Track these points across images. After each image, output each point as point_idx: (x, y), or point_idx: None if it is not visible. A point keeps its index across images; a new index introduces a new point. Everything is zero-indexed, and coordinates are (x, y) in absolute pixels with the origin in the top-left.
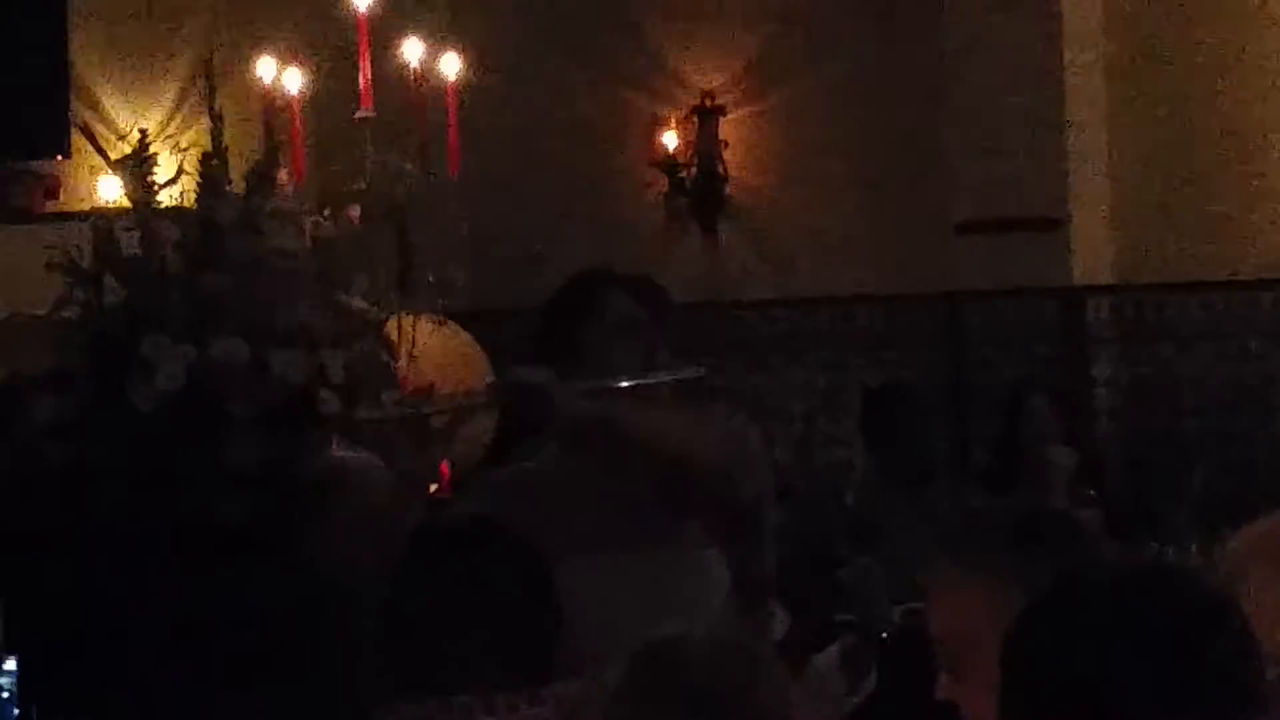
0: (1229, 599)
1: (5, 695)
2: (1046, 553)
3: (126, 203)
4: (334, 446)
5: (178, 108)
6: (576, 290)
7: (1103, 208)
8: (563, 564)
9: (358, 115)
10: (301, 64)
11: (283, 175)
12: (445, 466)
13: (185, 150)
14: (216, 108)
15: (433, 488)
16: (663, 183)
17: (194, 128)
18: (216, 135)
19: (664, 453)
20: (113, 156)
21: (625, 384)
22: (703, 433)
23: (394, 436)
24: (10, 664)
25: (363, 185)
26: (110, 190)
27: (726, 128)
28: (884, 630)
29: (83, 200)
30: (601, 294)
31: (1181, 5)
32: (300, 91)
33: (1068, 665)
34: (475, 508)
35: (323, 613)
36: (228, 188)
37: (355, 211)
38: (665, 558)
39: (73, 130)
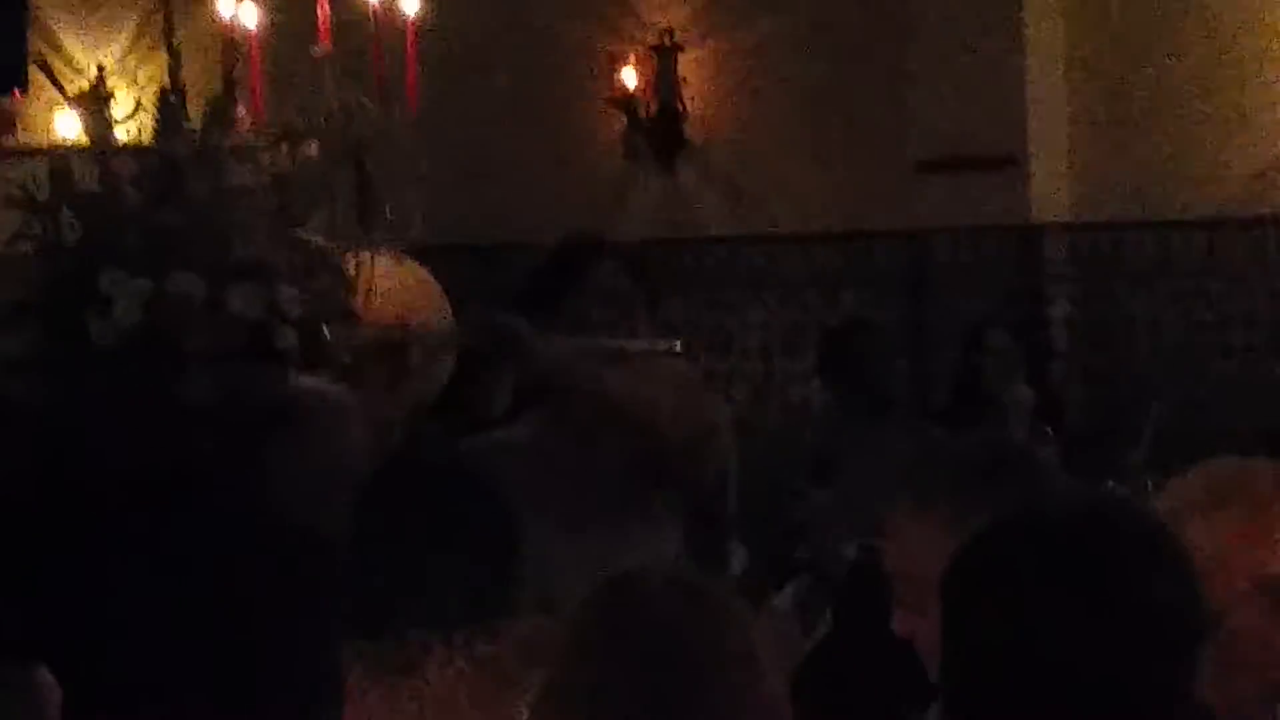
0: (1169, 535)
1: None
2: (1006, 488)
3: (84, 139)
4: (293, 377)
5: (135, 43)
6: (562, 257)
7: (1061, 146)
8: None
9: (316, 51)
10: None
11: (240, 111)
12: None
13: (143, 86)
14: (174, 43)
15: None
16: (621, 120)
17: (152, 63)
18: (174, 71)
19: (634, 416)
20: (70, 92)
21: (602, 348)
22: (674, 400)
23: (367, 372)
24: None
25: (321, 121)
26: (67, 126)
27: (686, 65)
28: (840, 570)
29: (39, 136)
30: (589, 264)
31: None
32: (258, 27)
33: (1001, 601)
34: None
35: (283, 549)
36: (185, 123)
37: (313, 148)
38: (627, 529)
39: (29, 65)
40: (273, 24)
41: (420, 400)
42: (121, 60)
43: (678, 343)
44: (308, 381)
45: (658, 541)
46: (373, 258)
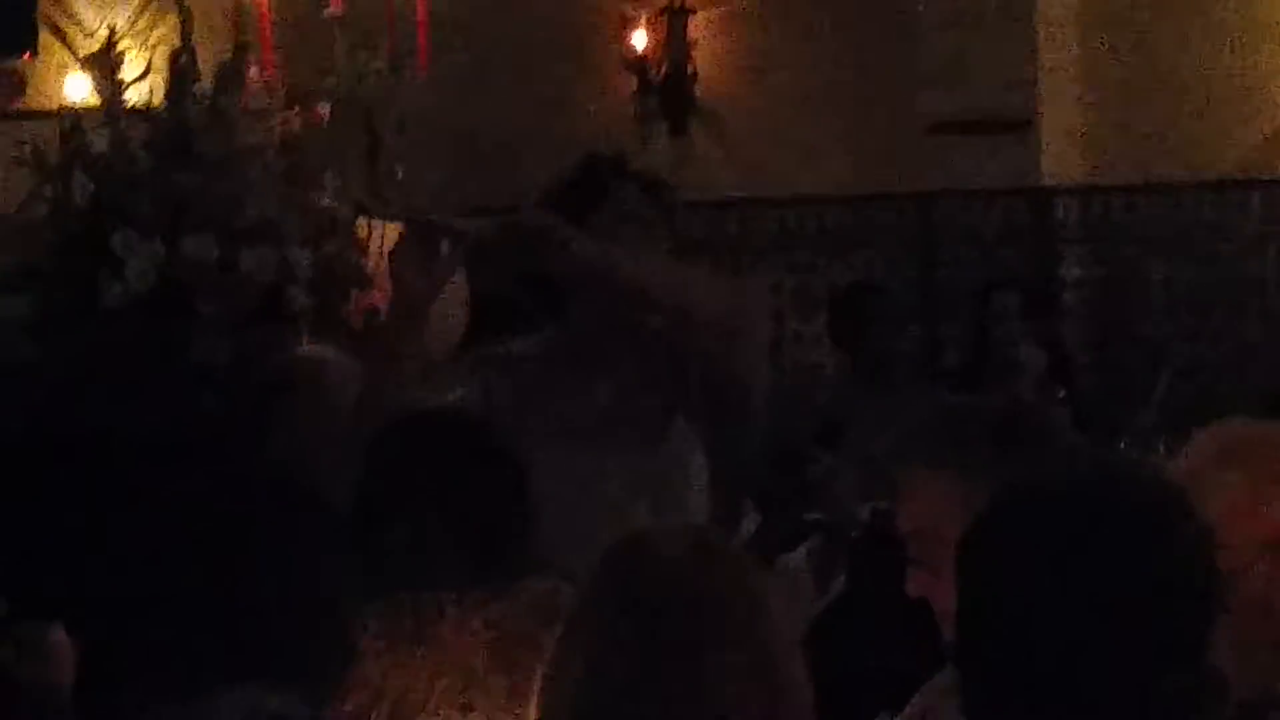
0: (1187, 501)
1: None
2: (1019, 449)
3: (94, 102)
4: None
5: (146, 5)
6: (585, 174)
7: (1073, 108)
8: (541, 452)
9: (327, 13)
10: None
11: (252, 73)
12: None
13: (154, 47)
14: (186, 5)
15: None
16: (632, 83)
17: (163, 25)
18: (185, 32)
19: (667, 299)
20: (81, 54)
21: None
22: (705, 283)
23: (398, 262)
24: None
25: (332, 84)
26: (77, 89)
27: (696, 27)
28: (852, 532)
29: (49, 99)
30: (612, 183)
31: None
32: None
33: (1018, 565)
34: (458, 384)
35: (288, 508)
36: (197, 86)
37: (325, 109)
38: (649, 448)
39: (40, 28)
40: None
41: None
42: (132, 22)
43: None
44: (312, 348)
45: (679, 470)
46: (384, 221)
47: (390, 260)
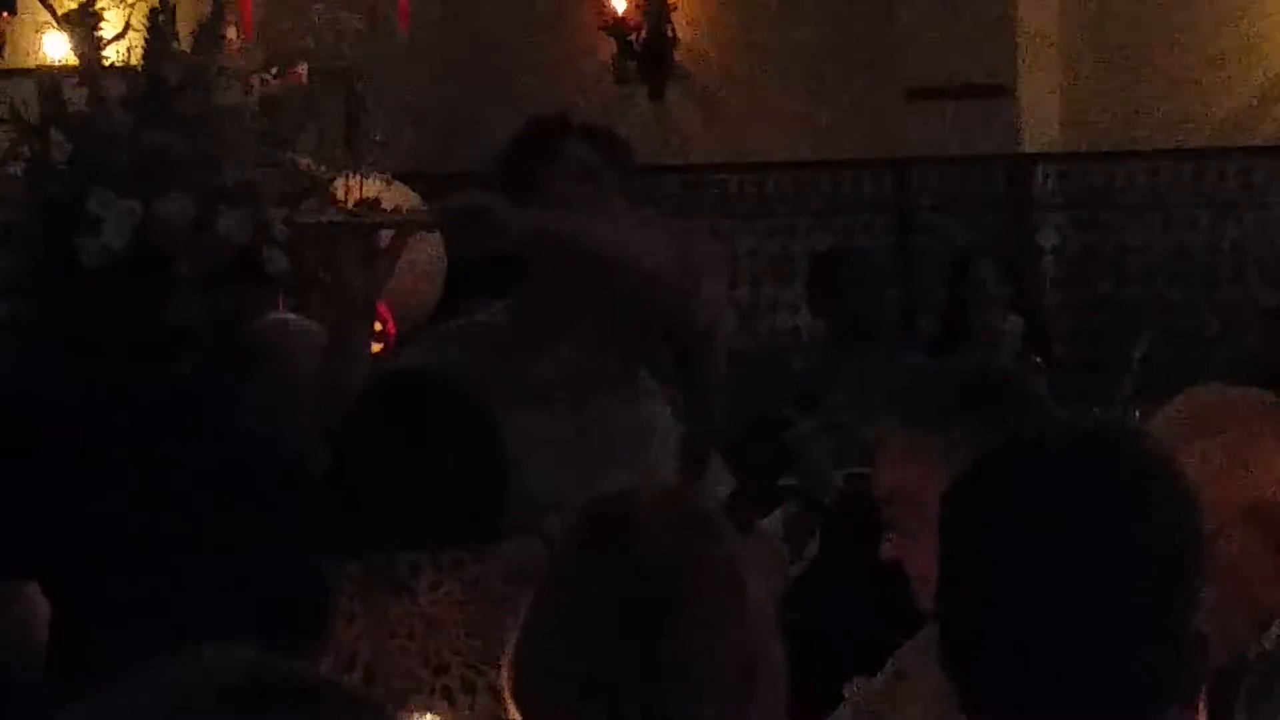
0: (1171, 463)
1: None
2: (996, 413)
3: (73, 61)
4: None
5: None
6: (535, 134)
7: (1052, 75)
8: (512, 416)
9: None
10: None
11: (230, 32)
12: (391, 325)
13: (133, 6)
14: None
15: (377, 347)
16: (611, 46)
17: None
18: None
19: (619, 257)
20: (59, 12)
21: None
22: (656, 236)
23: (338, 249)
24: None
25: (310, 43)
26: (56, 48)
27: None
28: (826, 497)
29: (28, 57)
30: (560, 139)
31: None
32: None
33: (1000, 527)
34: (424, 359)
35: (268, 468)
36: (175, 44)
37: (303, 70)
38: (616, 405)
39: None
40: None
41: (408, 324)
42: None
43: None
44: (281, 315)
45: (648, 429)
46: (361, 181)
47: (330, 259)
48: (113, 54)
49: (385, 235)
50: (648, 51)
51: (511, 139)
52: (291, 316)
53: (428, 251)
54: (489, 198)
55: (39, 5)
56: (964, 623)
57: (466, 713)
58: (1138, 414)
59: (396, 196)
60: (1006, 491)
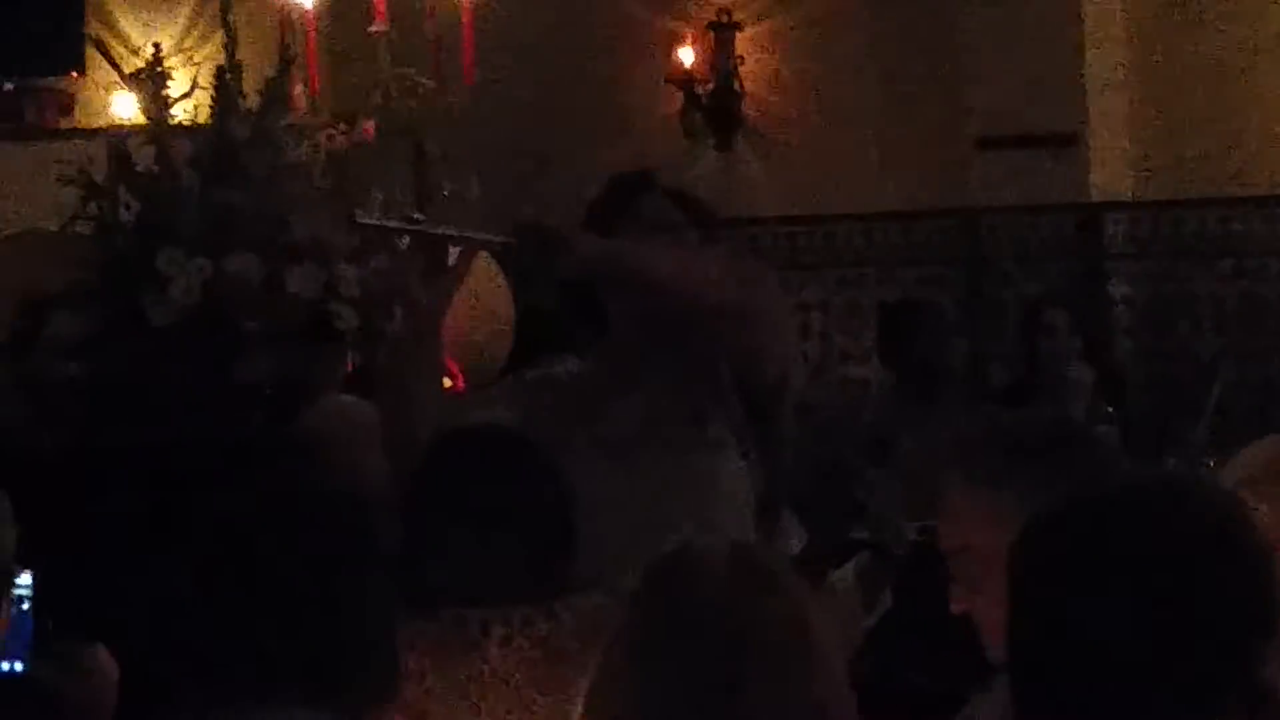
0: (1248, 514)
1: (25, 606)
2: (1064, 466)
3: (141, 120)
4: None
5: (193, 23)
6: (617, 190)
7: (1121, 124)
8: (584, 468)
9: (373, 29)
10: None
11: (298, 89)
12: (460, 381)
13: (200, 65)
14: (232, 22)
15: (446, 383)
16: (679, 99)
17: (209, 42)
18: (231, 49)
19: (687, 286)
20: (127, 72)
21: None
22: (729, 273)
23: (405, 263)
24: (26, 577)
25: (378, 99)
26: (124, 107)
27: (743, 43)
28: (899, 549)
29: (97, 117)
30: (641, 195)
31: None
32: (315, 5)
33: (1071, 585)
34: (496, 410)
35: (336, 528)
36: (242, 102)
37: (370, 125)
38: (690, 457)
39: (87, 47)
40: (329, 2)
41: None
42: (178, 40)
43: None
44: (334, 404)
45: (719, 481)
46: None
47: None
48: (180, 112)
49: (453, 254)
50: (715, 104)
51: (593, 196)
52: (347, 399)
53: (499, 308)
54: (561, 225)
55: (107, 65)
56: (1036, 672)
57: None
58: (1211, 464)
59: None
60: (1081, 542)
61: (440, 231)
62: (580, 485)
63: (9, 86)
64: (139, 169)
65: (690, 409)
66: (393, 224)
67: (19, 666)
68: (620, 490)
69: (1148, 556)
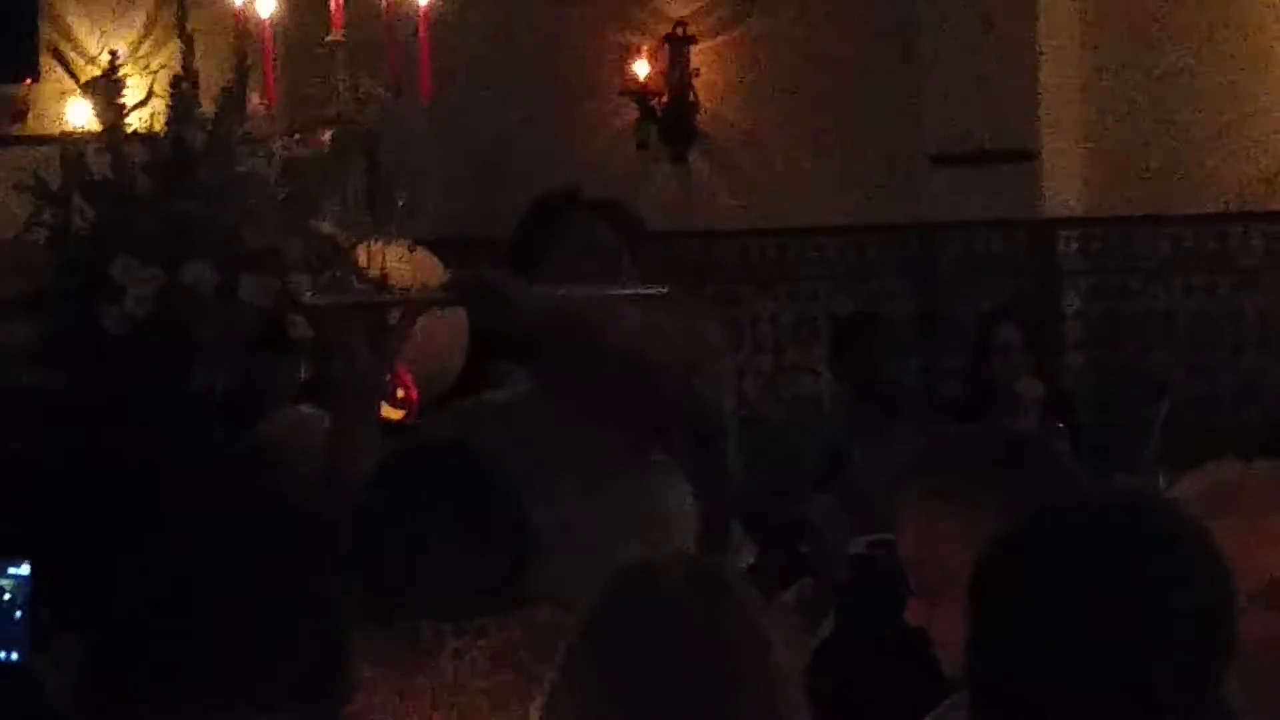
0: (1207, 536)
1: (6, 600)
2: (1023, 478)
3: (96, 128)
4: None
5: (148, 30)
6: (543, 210)
7: (1075, 140)
8: (532, 490)
9: (329, 39)
10: None
11: (254, 99)
12: (414, 392)
13: (156, 73)
14: (188, 30)
15: (399, 414)
16: (633, 111)
17: (165, 50)
18: (187, 58)
19: (625, 342)
20: (83, 79)
21: (584, 292)
22: (664, 322)
23: (349, 327)
24: (19, 569)
25: (334, 110)
26: (79, 115)
27: (698, 56)
28: (839, 570)
29: (51, 124)
30: (568, 214)
31: None
32: (271, 14)
33: (1034, 600)
34: (442, 435)
35: (292, 538)
36: (198, 111)
37: (326, 136)
38: (635, 482)
39: (41, 54)
40: (286, 11)
41: (431, 398)
42: (134, 48)
43: (664, 289)
44: (287, 411)
45: (668, 500)
46: (384, 248)
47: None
48: (135, 121)
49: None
50: (670, 117)
51: (521, 216)
52: (303, 409)
53: (451, 320)
54: (499, 274)
55: (62, 72)
56: (997, 685)
57: None
58: (1161, 479)
59: (420, 262)
60: (1046, 556)
61: (383, 299)
62: (533, 507)
63: None
64: (94, 177)
65: (633, 436)
66: (339, 300)
67: (14, 656)
68: (568, 514)
69: (1111, 574)
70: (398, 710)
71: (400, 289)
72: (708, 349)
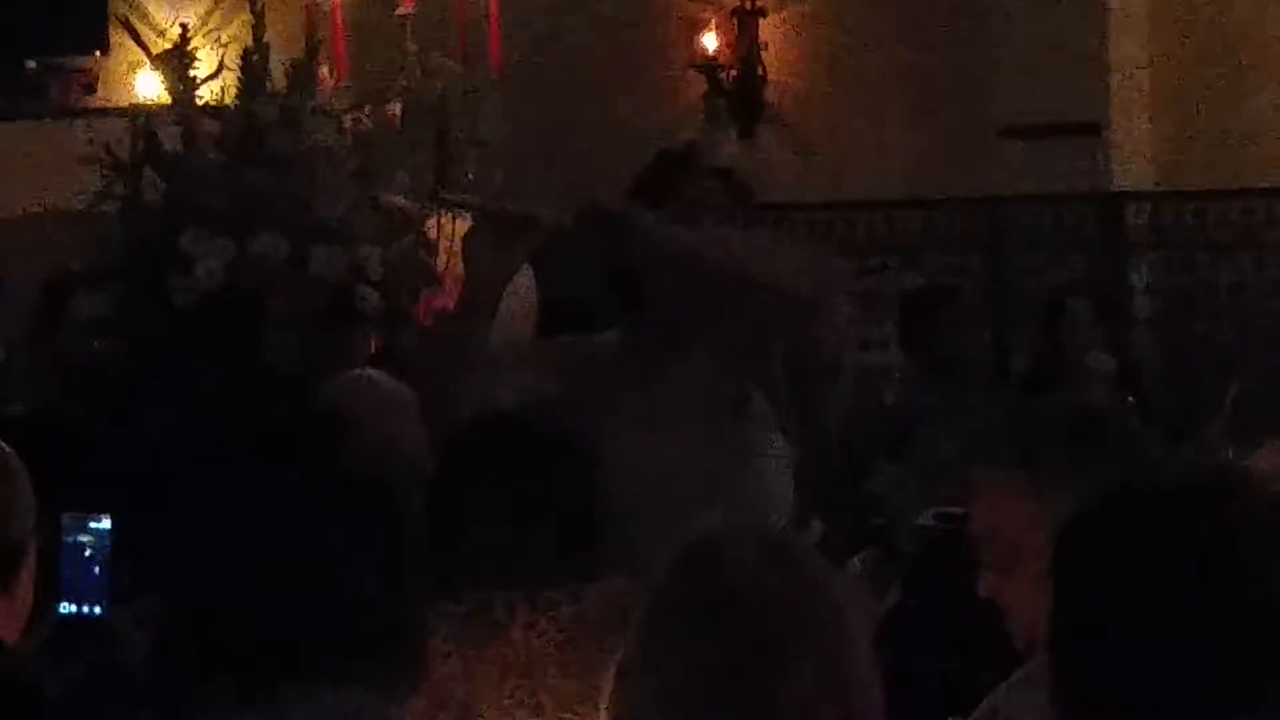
0: None
1: (88, 554)
2: (1099, 453)
3: (164, 99)
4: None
5: (218, 2)
6: (662, 167)
7: (1144, 112)
8: (615, 444)
9: (399, 12)
10: None
11: (324, 72)
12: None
13: (226, 46)
14: (258, 3)
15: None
16: (702, 84)
17: (235, 23)
18: (258, 31)
19: (755, 266)
20: (153, 51)
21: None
22: (791, 252)
23: (474, 239)
24: (100, 523)
25: (404, 83)
26: (148, 87)
27: (766, 29)
28: (908, 545)
29: (120, 96)
30: (687, 173)
31: None
32: None
33: (1121, 576)
34: (530, 375)
35: (365, 509)
36: (268, 84)
37: (396, 109)
38: (726, 435)
39: (110, 26)
40: None
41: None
42: (204, 20)
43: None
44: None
45: (759, 460)
46: (454, 220)
47: (463, 245)
48: (206, 93)
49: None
50: (738, 90)
51: (638, 173)
52: (374, 373)
53: (520, 291)
54: (630, 204)
55: (132, 44)
56: (1080, 660)
57: None
58: (1231, 454)
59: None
60: (1133, 532)
61: (508, 210)
62: (618, 455)
63: (32, 65)
64: (165, 149)
65: (732, 386)
66: (471, 203)
67: (97, 610)
68: (652, 468)
69: (1197, 550)
70: (469, 682)
71: (527, 207)
72: (832, 285)
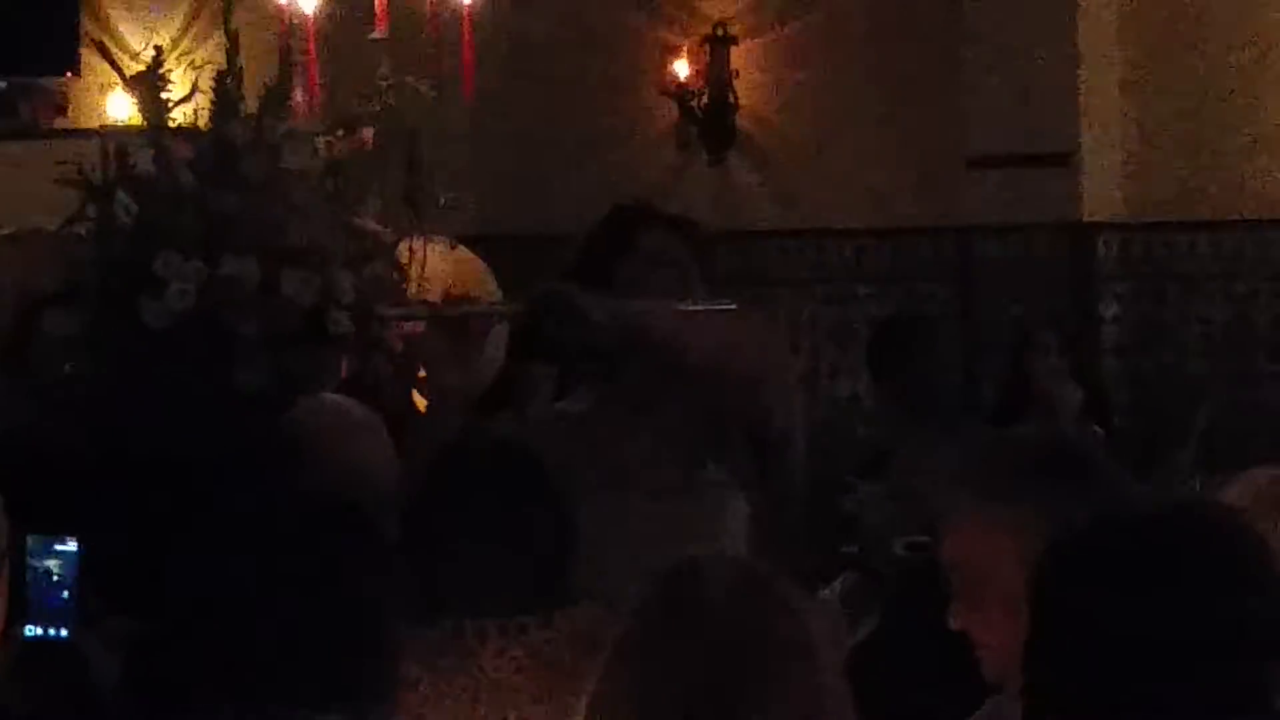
0: (1264, 543)
1: (55, 578)
2: (1070, 485)
3: (136, 121)
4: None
5: (191, 24)
6: (613, 225)
7: (1115, 144)
8: (586, 499)
9: (372, 36)
10: None
11: (297, 95)
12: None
13: (199, 68)
14: (232, 26)
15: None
16: (673, 111)
17: (208, 46)
18: (231, 53)
19: (701, 356)
20: (126, 73)
21: (656, 306)
22: (737, 337)
23: (429, 344)
24: (67, 546)
25: (376, 107)
26: (120, 108)
27: (738, 57)
28: (886, 569)
29: (91, 117)
30: (639, 229)
31: None
32: (315, 11)
33: (1099, 607)
34: (489, 434)
35: (337, 531)
36: (241, 107)
37: (369, 133)
38: (691, 500)
39: (83, 46)
40: (330, 8)
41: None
42: (177, 42)
43: (733, 304)
44: (324, 400)
45: (722, 518)
46: (425, 244)
47: (419, 352)
48: (179, 116)
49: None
50: (710, 117)
51: (591, 228)
52: (334, 397)
53: (488, 350)
54: (574, 289)
55: (103, 65)
56: (1053, 690)
57: None
58: (1199, 486)
59: (460, 259)
60: (1108, 562)
61: (459, 311)
62: (586, 516)
63: (3, 86)
64: (137, 171)
65: (694, 452)
66: (414, 313)
67: (63, 633)
68: (622, 523)
69: (1173, 577)
70: (440, 707)
71: (476, 302)
72: (779, 364)
